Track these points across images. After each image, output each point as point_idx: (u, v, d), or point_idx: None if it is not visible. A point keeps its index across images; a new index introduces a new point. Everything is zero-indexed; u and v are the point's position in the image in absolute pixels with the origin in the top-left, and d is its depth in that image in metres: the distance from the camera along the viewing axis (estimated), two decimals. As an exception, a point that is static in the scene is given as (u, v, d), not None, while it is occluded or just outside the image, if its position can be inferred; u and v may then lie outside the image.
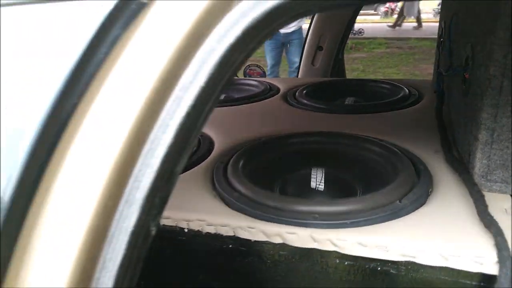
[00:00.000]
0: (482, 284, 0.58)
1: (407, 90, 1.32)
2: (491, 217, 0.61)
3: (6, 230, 0.37)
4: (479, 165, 0.71)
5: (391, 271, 0.62)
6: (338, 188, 0.86)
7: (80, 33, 0.34)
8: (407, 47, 8.27)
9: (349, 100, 1.44)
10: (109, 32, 0.35)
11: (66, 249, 0.39)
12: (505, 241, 0.57)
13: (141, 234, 0.40)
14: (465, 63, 0.80)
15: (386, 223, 0.66)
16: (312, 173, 0.87)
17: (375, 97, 1.40)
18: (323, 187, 0.83)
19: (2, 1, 0.38)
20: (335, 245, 0.63)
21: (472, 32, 0.79)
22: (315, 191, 0.84)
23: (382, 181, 0.79)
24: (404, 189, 0.72)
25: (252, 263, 0.70)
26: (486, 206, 0.64)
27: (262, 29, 0.35)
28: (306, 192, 0.84)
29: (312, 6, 0.36)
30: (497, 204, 0.67)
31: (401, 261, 0.61)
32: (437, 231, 0.62)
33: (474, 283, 0.59)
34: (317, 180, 0.84)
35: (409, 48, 8.14)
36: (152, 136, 0.37)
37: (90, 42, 0.35)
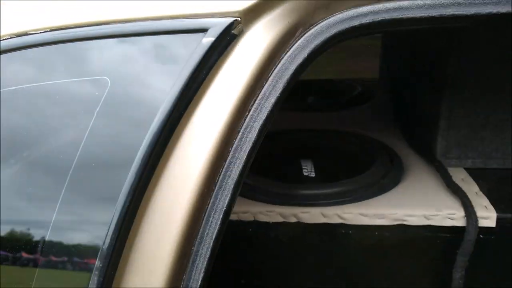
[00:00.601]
0: (454, 235, 0.76)
1: (359, 88, 1.51)
2: (456, 184, 0.80)
3: (126, 212, 0.46)
4: (440, 147, 0.90)
5: (386, 234, 0.78)
6: (325, 174, 1.01)
7: (189, 59, 0.45)
8: (332, 46, 8.77)
9: (309, 99, 1.60)
10: (209, 58, 0.46)
11: (170, 228, 0.49)
12: (469, 200, 0.75)
13: (228, 212, 0.50)
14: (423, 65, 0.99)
15: (377, 197, 0.82)
16: (302, 164, 1.01)
17: (332, 95, 1.57)
18: (314, 174, 0.98)
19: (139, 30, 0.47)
20: (341, 218, 0.78)
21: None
22: (307, 178, 0.98)
23: (358, 166, 0.95)
24: (385, 170, 0.88)
25: (270, 243, 0.82)
26: (451, 177, 0.83)
27: (321, 50, 0.49)
28: (299, 179, 0.98)
29: (354, 34, 0.50)
30: (455, 175, 0.86)
31: (394, 225, 0.77)
32: (418, 199, 0.79)
33: (448, 235, 0.77)
34: (308, 169, 0.99)
35: (334, 47, 8.64)
36: (239, 135, 0.49)
37: (196, 66, 0.45)
